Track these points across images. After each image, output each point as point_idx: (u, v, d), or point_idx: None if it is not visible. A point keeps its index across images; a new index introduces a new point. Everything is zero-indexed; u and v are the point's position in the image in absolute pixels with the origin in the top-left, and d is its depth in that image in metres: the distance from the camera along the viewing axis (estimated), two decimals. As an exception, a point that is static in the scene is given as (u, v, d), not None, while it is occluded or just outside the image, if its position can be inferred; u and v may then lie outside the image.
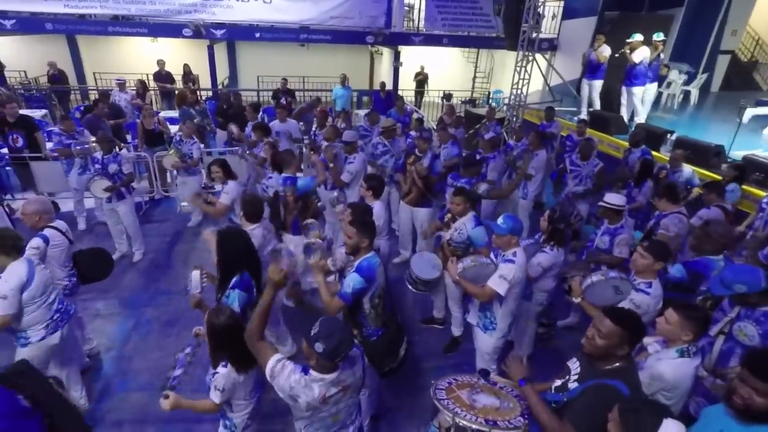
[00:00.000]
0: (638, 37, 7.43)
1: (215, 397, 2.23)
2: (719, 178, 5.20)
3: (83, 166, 5.71)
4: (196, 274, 2.81)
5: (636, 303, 2.81)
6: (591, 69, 8.43)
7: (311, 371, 1.94)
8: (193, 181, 6.19)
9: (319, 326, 1.89)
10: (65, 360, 3.23)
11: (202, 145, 6.99)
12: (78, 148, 5.35)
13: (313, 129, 6.91)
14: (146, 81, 9.99)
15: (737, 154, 6.12)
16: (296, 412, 2.01)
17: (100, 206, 5.74)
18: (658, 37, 7.39)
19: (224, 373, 2.20)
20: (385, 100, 10.92)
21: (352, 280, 2.65)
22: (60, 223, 3.39)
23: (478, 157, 5.63)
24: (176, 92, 9.77)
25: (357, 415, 2.24)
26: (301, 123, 7.41)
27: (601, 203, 3.90)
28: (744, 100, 7.17)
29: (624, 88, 7.91)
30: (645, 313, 2.82)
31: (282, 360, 1.97)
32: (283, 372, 1.94)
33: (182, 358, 2.32)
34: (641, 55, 7.41)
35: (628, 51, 7.45)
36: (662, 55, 7.74)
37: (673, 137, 6.86)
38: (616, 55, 7.92)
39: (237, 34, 11.97)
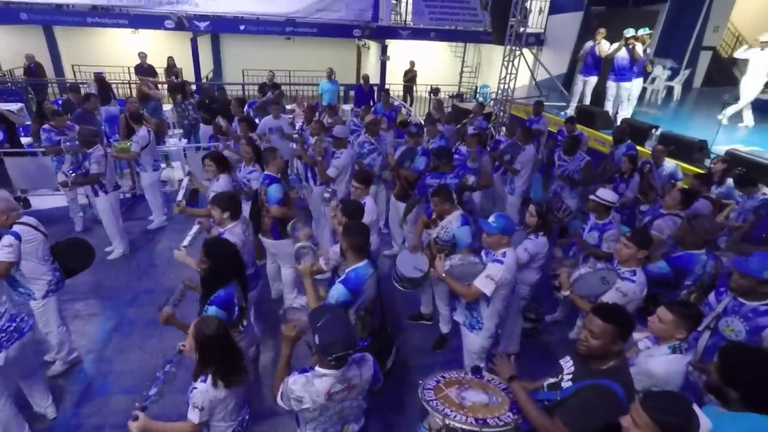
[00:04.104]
0: (633, 31, 7.26)
1: (194, 416, 2.05)
2: (703, 171, 5.26)
3: (74, 162, 5.37)
4: (180, 289, 2.68)
5: (623, 291, 2.91)
6: (590, 65, 8.20)
7: (316, 367, 1.96)
8: (144, 177, 5.88)
9: (325, 320, 1.90)
10: (25, 374, 3.07)
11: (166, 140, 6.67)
12: (67, 144, 5.12)
13: (301, 124, 6.80)
14: (104, 77, 8.92)
15: (720, 149, 6.20)
16: (304, 415, 2.00)
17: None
18: (644, 31, 7.35)
19: (202, 389, 2.05)
20: (367, 93, 10.80)
21: (337, 292, 2.55)
22: (29, 219, 3.25)
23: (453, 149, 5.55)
24: (166, 85, 9.45)
25: (361, 417, 2.20)
26: (290, 117, 7.28)
27: (592, 197, 3.86)
28: (727, 95, 7.28)
29: (613, 84, 7.81)
30: (632, 300, 2.92)
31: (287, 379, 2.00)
32: (285, 384, 1.96)
33: (160, 376, 2.12)
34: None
35: (632, 45, 7.25)
36: (649, 50, 7.71)
37: (658, 132, 6.94)
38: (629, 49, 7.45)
39: (221, 26, 11.73)
